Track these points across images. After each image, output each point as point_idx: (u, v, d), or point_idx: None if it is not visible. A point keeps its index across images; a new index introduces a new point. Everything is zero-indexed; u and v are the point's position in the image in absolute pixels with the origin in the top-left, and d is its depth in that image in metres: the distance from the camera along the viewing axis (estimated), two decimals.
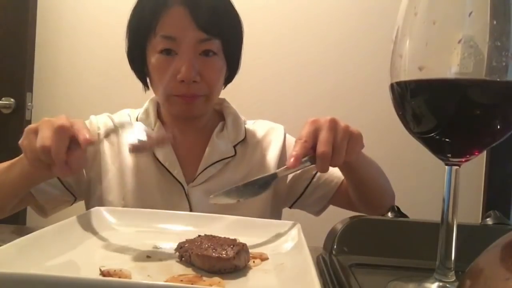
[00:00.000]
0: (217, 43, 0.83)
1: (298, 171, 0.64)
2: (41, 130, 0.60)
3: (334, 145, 0.65)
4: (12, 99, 1.79)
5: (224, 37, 0.84)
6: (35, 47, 1.88)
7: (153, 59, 0.83)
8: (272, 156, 0.94)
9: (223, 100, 0.98)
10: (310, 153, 0.65)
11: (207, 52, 0.82)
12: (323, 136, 0.65)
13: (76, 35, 1.92)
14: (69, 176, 0.86)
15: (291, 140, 0.97)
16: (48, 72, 1.92)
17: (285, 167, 0.62)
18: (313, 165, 0.65)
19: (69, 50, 1.92)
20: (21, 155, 0.68)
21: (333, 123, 0.67)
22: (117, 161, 0.89)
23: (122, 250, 0.51)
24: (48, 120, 0.61)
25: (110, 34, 1.85)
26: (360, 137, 0.70)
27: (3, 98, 1.79)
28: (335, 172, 0.92)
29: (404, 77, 0.38)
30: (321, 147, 0.64)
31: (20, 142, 0.64)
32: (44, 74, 1.92)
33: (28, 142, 0.62)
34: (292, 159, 0.62)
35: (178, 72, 0.80)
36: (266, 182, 0.62)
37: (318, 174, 0.93)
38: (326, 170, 0.67)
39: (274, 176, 0.62)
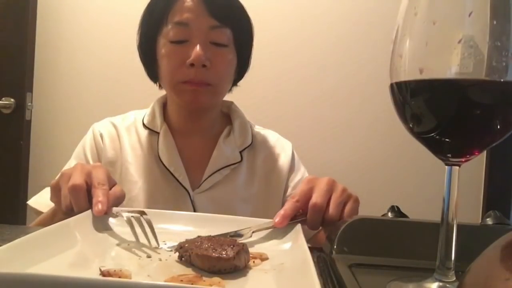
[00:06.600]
0: (228, 33, 0.83)
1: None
2: (62, 188, 0.63)
3: (331, 201, 0.62)
4: (12, 99, 1.79)
5: (236, 27, 0.84)
6: (35, 47, 1.88)
7: (164, 49, 0.83)
8: (280, 172, 0.93)
9: (231, 103, 0.98)
10: (299, 213, 0.62)
11: (218, 43, 0.82)
12: (319, 189, 0.63)
13: (76, 35, 1.92)
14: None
15: (297, 159, 0.98)
16: (48, 72, 1.92)
17: (270, 222, 0.59)
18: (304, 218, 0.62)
19: (69, 50, 1.92)
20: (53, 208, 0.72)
21: (331, 182, 0.64)
22: (119, 166, 0.88)
23: (122, 250, 0.51)
24: (66, 175, 0.63)
25: (110, 34, 1.85)
26: (358, 201, 0.66)
27: (3, 98, 1.79)
28: None
29: (404, 77, 0.38)
30: (314, 199, 0.62)
31: (50, 199, 0.68)
32: (44, 74, 1.92)
33: (57, 200, 0.66)
34: (278, 218, 0.58)
35: (188, 57, 0.80)
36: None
37: None
38: (317, 226, 0.63)
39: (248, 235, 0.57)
